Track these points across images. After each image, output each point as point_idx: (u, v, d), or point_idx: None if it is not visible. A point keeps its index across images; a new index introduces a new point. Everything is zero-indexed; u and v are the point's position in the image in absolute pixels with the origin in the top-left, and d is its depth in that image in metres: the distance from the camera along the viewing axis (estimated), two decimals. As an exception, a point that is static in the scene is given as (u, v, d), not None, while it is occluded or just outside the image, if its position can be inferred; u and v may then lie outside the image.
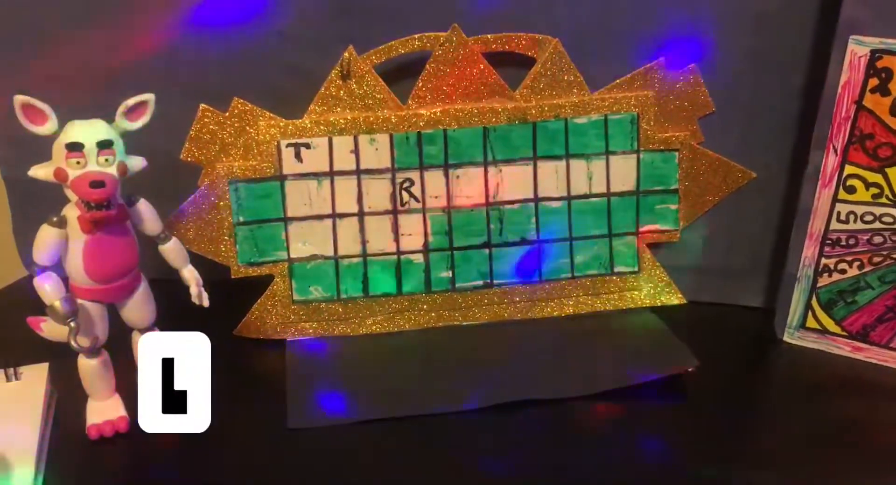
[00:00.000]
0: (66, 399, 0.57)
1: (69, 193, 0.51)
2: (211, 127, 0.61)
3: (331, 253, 0.65)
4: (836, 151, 0.61)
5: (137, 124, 0.53)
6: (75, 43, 0.66)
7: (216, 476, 0.51)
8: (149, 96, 0.52)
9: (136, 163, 0.53)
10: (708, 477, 0.52)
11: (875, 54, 0.58)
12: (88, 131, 0.50)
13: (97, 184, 0.49)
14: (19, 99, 0.49)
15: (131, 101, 0.52)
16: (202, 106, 0.61)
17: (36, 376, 0.57)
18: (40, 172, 0.51)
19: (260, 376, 0.62)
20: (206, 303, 0.57)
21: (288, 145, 0.63)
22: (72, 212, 0.52)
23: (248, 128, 0.62)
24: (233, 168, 0.62)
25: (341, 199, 0.64)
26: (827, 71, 0.61)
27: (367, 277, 0.66)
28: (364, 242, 0.65)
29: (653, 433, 0.56)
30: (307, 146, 0.63)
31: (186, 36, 0.66)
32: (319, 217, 0.64)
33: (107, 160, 0.51)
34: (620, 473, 0.52)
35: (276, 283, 0.65)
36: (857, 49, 0.59)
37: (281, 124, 0.62)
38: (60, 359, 0.58)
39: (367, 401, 0.57)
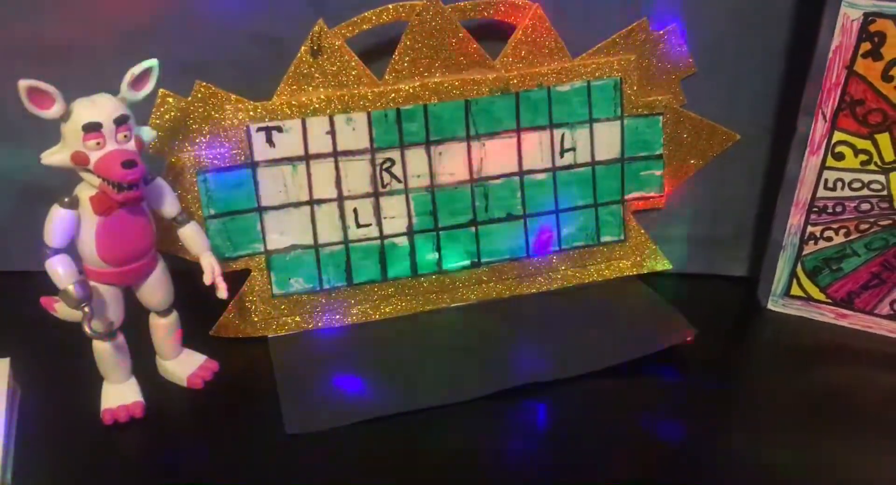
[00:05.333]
0: (32, 394, 0.55)
1: (87, 175, 0.48)
2: (173, 113, 0.56)
3: (310, 242, 0.61)
4: (825, 117, 0.60)
5: (143, 93, 0.49)
6: (24, 14, 0.59)
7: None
8: (153, 62, 0.49)
9: (149, 134, 0.51)
10: (694, 445, 0.52)
11: (868, 18, 0.57)
12: (104, 109, 0.47)
13: (129, 163, 0.46)
14: (24, 83, 0.44)
15: (137, 70, 0.48)
16: (161, 91, 0.55)
17: None
18: (54, 158, 0.48)
19: (247, 378, 0.59)
20: (223, 294, 0.55)
21: (258, 130, 0.58)
22: (84, 192, 0.49)
23: (213, 113, 0.57)
24: (200, 157, 0.57)
25: (319, 184, 0.60)
26: (815, 32, 0.59)
27: (349, 264, 0.62)
28: (345, 229, 0.62)
29: (640, 405, 0.56)
30: (279, 129, 0.58)
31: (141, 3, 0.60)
32: (296, 205, 0.60)
33: (125, 137, 0.48)
34: (615, 449, 0.52)
35: (252, 277, 0.61)
36: (850, 12, 0.57)
37: (249, 107, 0.57)
38: (23, 351, 0.56)
39: (364, 398, 0.55)
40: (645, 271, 0.70)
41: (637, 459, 0.51)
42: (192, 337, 0.59)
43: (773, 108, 0.66)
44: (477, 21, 0.62)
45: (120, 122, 0.47)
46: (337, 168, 0.60)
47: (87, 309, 0.49)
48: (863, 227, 0.62)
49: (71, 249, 0.50)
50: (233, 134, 0.58)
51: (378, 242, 0.63)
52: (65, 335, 0.54)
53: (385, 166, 0.61)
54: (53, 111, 0.46)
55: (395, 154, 0.61)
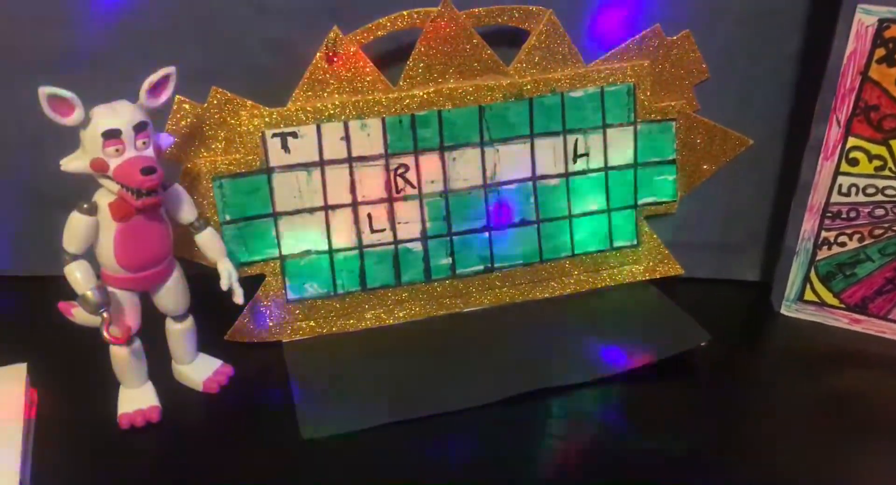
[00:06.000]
0: (50, 399, 0.55)
1: (106, 182, 0.48)
2: (189, 120, 0.56)
3: (325, 247, 0.62)
4: (839, 123, 0.60)
5: (162, 100, 0.50)
6: (40, 22, 0.60)
7: None
8: (170, 69, 0.49)
9: (167, 140, 0.52)
10: (707, 450, 0.52)
11: (883, 24, 0.57)
12: (123, 116, 0.47)
13: (148, 170, 0.47)
14: (44, 90, 0.45)
15: (155, 77, 0.49)
16: (178, 98, 0.55)
17: (13, 379, 0.54)
18: (74, 164, 0.48)
19: (262, 382, 0.59)
20: (239, 300, 0.55)
21: (273, 135, 0.58)
22: (103, 199, 0.50)
23: (229, 119, 0.57)
24: (215, 163, 0.58)
25: (333, 189, 0.61)
26: (829, 38, 0.59)
27: (363, 269, 0.63)
28: (359, 234, 0.62)
29: (653, 410, 0.56)
30: (294, 135, 0.59)
31: (158, 11, 0.60)
32: (311, 210, 0.61)
33: (144, 143, 0.48)
34: (627, 454, 0.52)
35: (267, 282, 0.61)
36: (865, 18, 0.57)
37: (265, 113, 0.58)
38: (40, 356, 0.56)
39: (379, 404, 0.55)
40: (658, 276, 0.70)
41: (649, 463, 0.51)
42: (208, 342, 0.59)
43: (786, 113, 0.66)
44: (491, 27, 0.62)
45: (139, 129, 0.48)
46: (351, 174, 0.61)
47: (104, 314, 0.50)
48: (877, 232, 0.62)
49: (89, 255, 0.50)
50: (248, 140, 0.58)
51: (392, 247, 0.63)
52: (82, 340, 0.54)
53: (399, 172, 0.62)
54: (73, 118, 0.47)
55: (409, 160, 0.62)
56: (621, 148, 0.66)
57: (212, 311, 0.57)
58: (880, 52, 0.57)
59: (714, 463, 0.52)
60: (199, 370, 0.58)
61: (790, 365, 0.62)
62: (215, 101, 0.57)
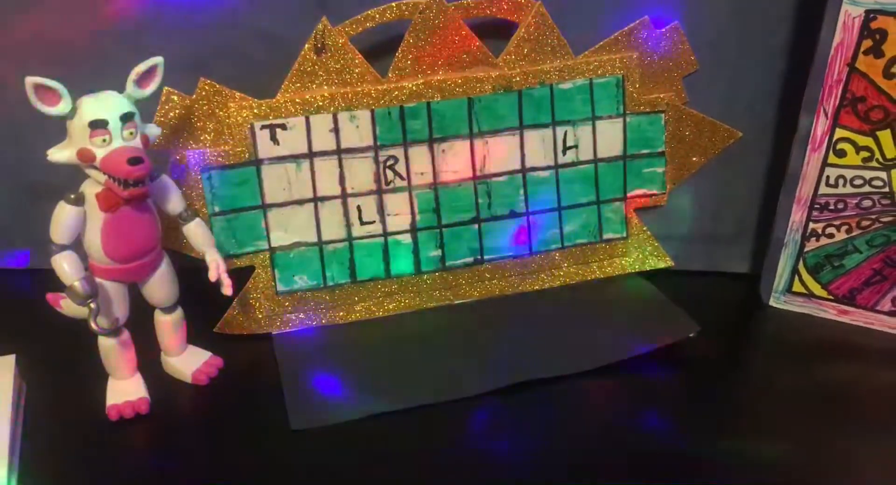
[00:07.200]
0: (39, 390, 0.55)
1: (93, 172, 0.49)
2: (177, 111, 0.56)
3: (314, 239, 0.62)
4: (826, 114, 0.61)
5: (149, 91, 0.50)
6: (27, 12, 0.59)
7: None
8: (158, 60, 0.49)
9: (154, 131, 0.51)
10: (695, 442, 0.53)
11: (870, 15, 0.57)
12: (110, 106, 0.47)
13: (136, 160, 0.47)
14: (31, 80, 0.45)
15: (142, 67, 0.49)
16: (166, 89, 0.55)
17: (2, 370, 0.54)
18: (61, 155, 0.48)
19: (251, 374, 0.59)
20: (228, 291, 0.54)
21: (262, 127, 0.58)
22: (90, 189, 0.50)
23: (217, 110, 0.57)
24: (204, 155, 0.58)
25: (322, 181, 0.61)
26: (817, 29, 0.59)
27: (353, 261, 0.63)
28: (349, 226, 0.62)
29: (643, 401, 0.56)
30: (283, 127, 0.59)
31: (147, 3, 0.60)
32: (300, 202, 0.61)
33: (131, 133, 0.48)
34: (617, 446, 0.52)
35: (257, 274, 0.61)
36: (852, 9, 0.57)
37: (253, 105, 0.58)
38: (29, 348, 0.56)
39: (368, 394, 0.56)
40: (647, 268, 0.70)
41: (638, 456, 0.52)
42: (197, 334, 0.59)
43: (774, 105, 0.66)
44: (480, 19, 0.62)
45: (126, 119, 0.48)
46: (340, 166, 0.61)
47: (92, 305, 0.49)
48: (864, 223, 0.62)
49: (77, 246, 0.50)
50: (237, 131, 0.58)
51: (381, 239, 0.63)
52: (70, 332, 0.54)
53: (388, 164, 0.62)
54: (60, 108, 0.47)
55: (398, 151, 0.62)
56: (610, 140, 0.66)
57: (201, 302, 0.57)
58: (867, 43, 0.58)
59: (702, 455, 0.52)
60: (188, 362, 0.58)
61: (778, 356, 0.62)
62: (203, 93, 0.57)
